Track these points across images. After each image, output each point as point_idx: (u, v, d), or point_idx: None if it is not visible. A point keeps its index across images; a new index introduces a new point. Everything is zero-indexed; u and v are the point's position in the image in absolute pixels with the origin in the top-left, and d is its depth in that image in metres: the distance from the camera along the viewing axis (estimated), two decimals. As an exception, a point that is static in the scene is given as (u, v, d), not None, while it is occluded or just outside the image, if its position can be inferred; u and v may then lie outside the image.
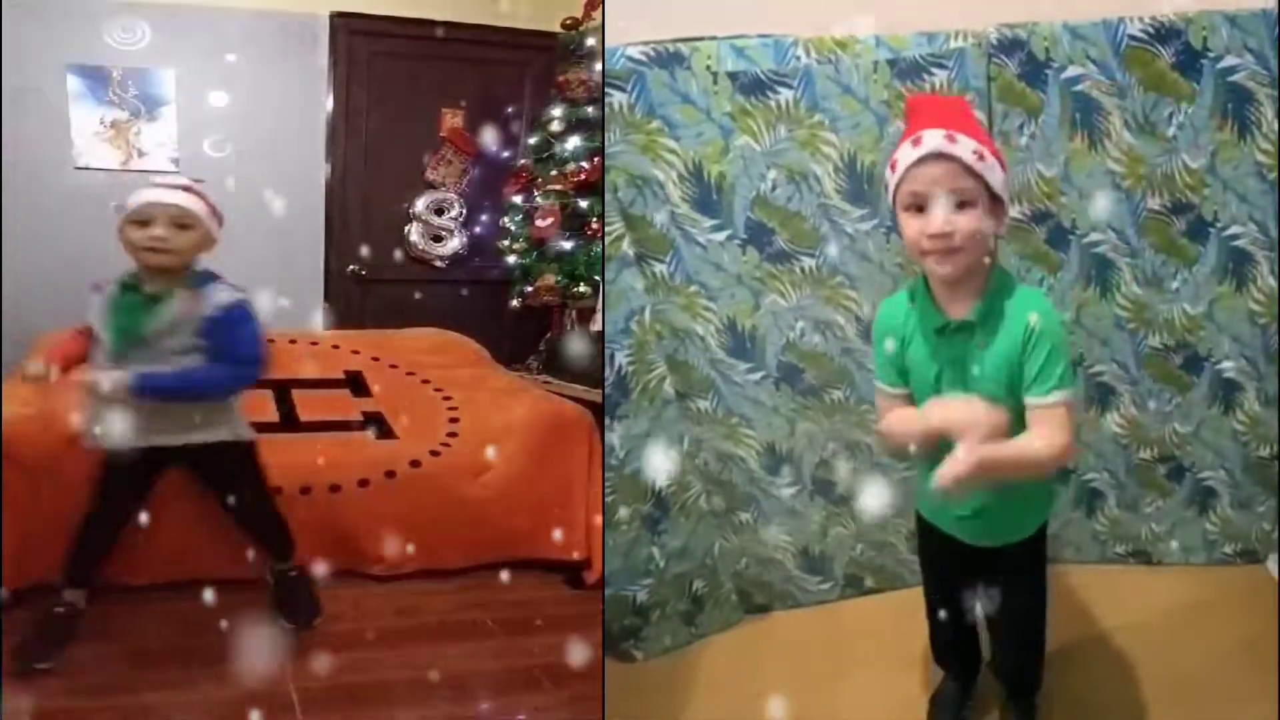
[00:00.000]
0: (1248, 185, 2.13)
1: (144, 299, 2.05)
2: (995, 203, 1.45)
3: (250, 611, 2.32)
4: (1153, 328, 2.27)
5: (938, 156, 1.41)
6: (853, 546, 2.36)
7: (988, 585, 1.69)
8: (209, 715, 1.86)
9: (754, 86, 2.02)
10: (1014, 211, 2.21)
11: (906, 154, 1.45)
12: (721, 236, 2.10)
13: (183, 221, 2.04)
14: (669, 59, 1.98)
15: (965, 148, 1.42)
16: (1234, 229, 2.16)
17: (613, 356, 2.07)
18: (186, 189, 2.10)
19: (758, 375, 2.21)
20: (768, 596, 2.37)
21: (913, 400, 1.62)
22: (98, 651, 2.08)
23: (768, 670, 2.11)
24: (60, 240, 4.14)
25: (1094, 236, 2.21)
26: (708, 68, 2.00)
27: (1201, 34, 2.06)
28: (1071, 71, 2.11)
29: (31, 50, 4.04)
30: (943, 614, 1.78)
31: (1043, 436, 1.44)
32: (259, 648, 2.05)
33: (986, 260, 1.51)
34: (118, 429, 1.99)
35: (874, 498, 2.07)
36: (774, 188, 2.08)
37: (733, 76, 2.01)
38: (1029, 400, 1.47)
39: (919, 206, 1.44)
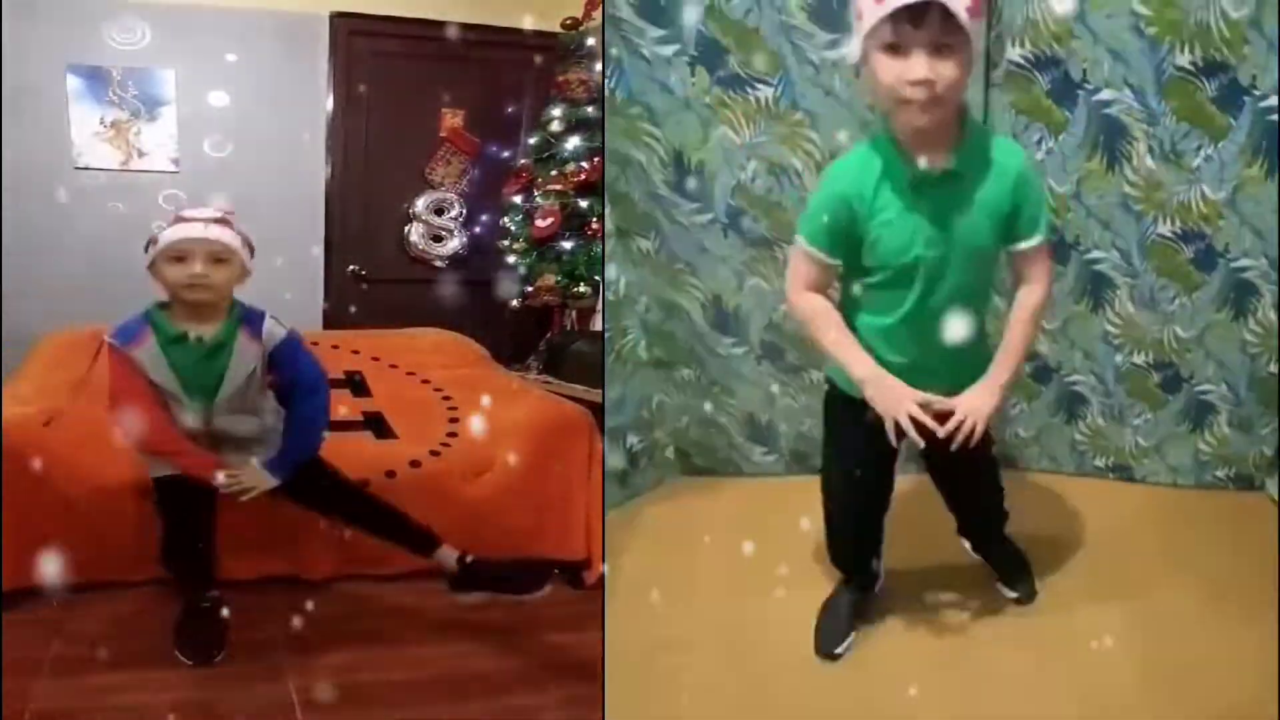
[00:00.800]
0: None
1: (203, 348, 2.04)
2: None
3: (249, 612, 2.32)
4: (1164, 211, 2.06)
5: (932, 6, 1.31)
6: (801, 421, 2.28)
7: (943, 461, 1.67)
8: (209, 715, 1.85)
9: None
10: (1013, 54, 1.99)
11: None
12: (669, 50, 2.00)
13: (220, 256, 2.01)
14: None
15: (960, 4, 1.33)
16: (1273, 99, 1.93)
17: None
18: (220, 221, 2.06)
19: (706, 217, 2.10)
20: (709, 461, 2.32)
21: (834, 273, 1.60)
22: (98, 651, 2.07)
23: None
24: (60, 240, 4.14)
25: (1107, 94, 1.99)
26: None
27: (1251, 72, 1.92)
28: (1106, 95, 1.98)
29: (31, 50, 4.04)
30: (851, 509, 1.76)
31: (1039, 281, 1.55)
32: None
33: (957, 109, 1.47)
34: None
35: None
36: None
37: None
38: (1022, 245, 1.53)
39: (897, 47, 1.35)
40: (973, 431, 1.54)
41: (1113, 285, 2.15)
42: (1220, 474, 2.25)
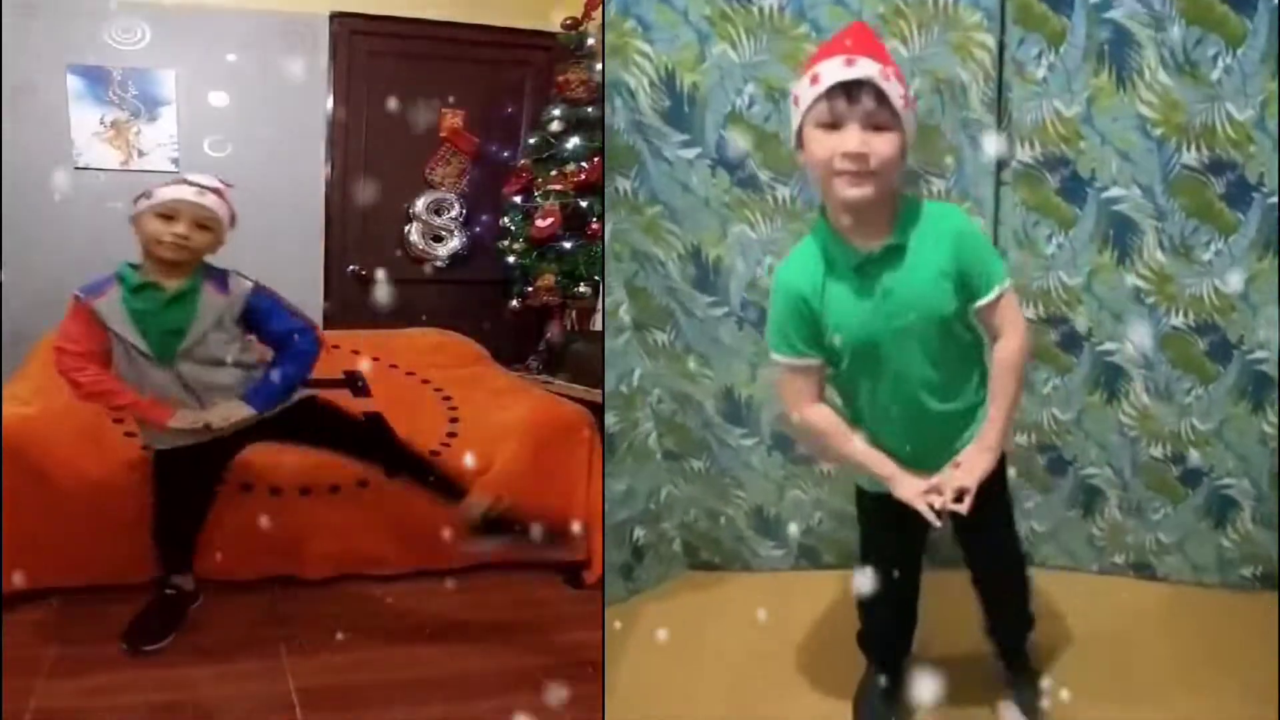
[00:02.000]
0: None
1: (168, 296, 2.06)
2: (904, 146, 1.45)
3: (249, 612, 2.32)
4: (1177, 303, 2.04)
5: (866, 85, 1.39)
6: (810, 514, 2.28)
7: (958, 529, 1.66)
8: (209, 715, 1.85)
9: None
10: (1023, 154, 2.03)
11: (835, 72, 1.40)
12: (691, 153, 2.05)
13: (205, 223, 2.06)
14: None
15: (895, 91, 1.41)
16: None
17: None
18: (217, 191, 2.11)
19: (721, 310, 2.14)
20: (715, 554, 2.31)
21: (823, 372, 1.60)
22: (98, 651, 2.07)
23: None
24: (60, 240, 4.14)
25: (1116, 191, 2.00)
26: None
27: (1259, 170, 1.90)
28: (1115, 192, 1.97)
29: (31, 50, 4.04)
30: (887, 594, 1.73)
31: (1010, 332, 1.53)
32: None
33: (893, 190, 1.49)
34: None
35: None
36: (751, 104, 2.01)
37: None
38: (984, 301, 1.51)
39: (833, 124, 1.41)
40: (969, 498, 1.54)
41: (1127, 377, 2.13)
42: (1246, 572, 2.17)
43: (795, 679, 1.95)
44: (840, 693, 1.86)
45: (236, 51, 4.30)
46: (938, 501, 1.53)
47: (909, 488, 1.57)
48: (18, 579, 2.22)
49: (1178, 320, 2.05)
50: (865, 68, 1.38)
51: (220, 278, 2.12)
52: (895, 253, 1.49)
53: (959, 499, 1.53)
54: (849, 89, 1.38)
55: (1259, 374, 2.05)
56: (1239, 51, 1.85)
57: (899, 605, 1.79)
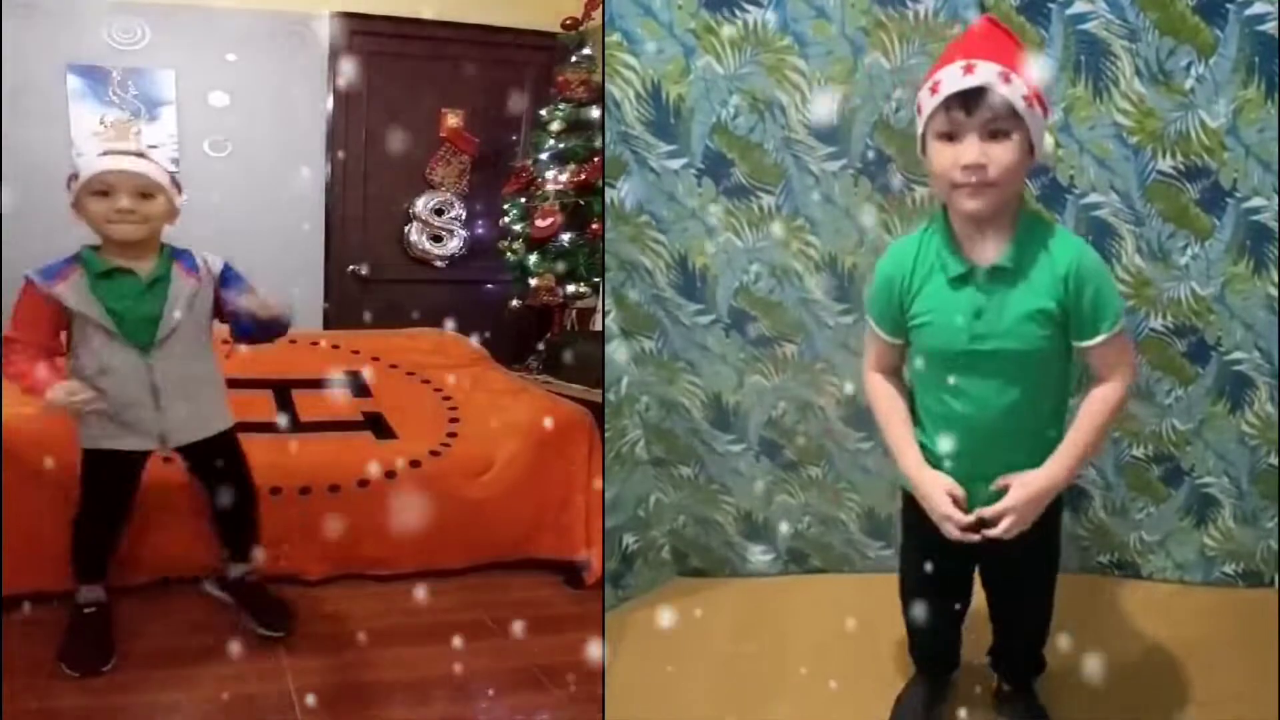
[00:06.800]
0: (1272, 152, 1.93)
1: (139, 283, 1.99)
2: (1030, 144, 1.41)
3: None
4: (1155, 306, 2.08)
5: (985, 92, 1.34)
6: (799, 519, 2.30)
7: (995, 560, 1.59)
8: (209, 715, 1.85)
9: (721, 2, 1.95)
10: None
11: (953, 81, 1.36)
12: (677, 164, 2.06)
13: (145, 190, 1.98)
14: None
15: (1017, 93, 1.35)
16: (1255, 201, 1.97)
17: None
18: (141, 155, 2.03)
19: (708, 318, 2.16)
20: (704, 560, 2.32)
21: (904, 353, 1.59)
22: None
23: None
24: (60, 240, 4.13)
25: (1094, 198, 2.03)
26: None
27: (1232, 176, 1.93)
28: (1078, 8, 1.92)
29: (31, 50, 4.05)
30: (926, 607, 1.68)
31: (1110, 377, 1.47)
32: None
33: (1015, 200, 1.46)
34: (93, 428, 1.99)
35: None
36: (735, 115, 2.03)
37: None
38: (1090, 342, 1.45)
39: (951, 135, 1.38)
40: (1010, 520, 1.47)
41: None
42: (1229, 570, 2.20)
43: (785, 684, 1.94)
44: (829, 697, 1.85)
45: (236, 51, 4.31)
46: (963, 523, 1.46)
47: (934, 494, 1.49)
48: (18, 579, 2.22)
49: (1156, 323, 2.10)
50: (984, 74, 1.35)
51: (188, 258, 2.06)
52: (1002, 275, 1.44)
53: (992, 524, 1.45)
54: (966, 98, 1.35)
55: (1237, 374, 2.10)
56: (1210, 61, 1.90)
57: (943, 615, 1.71)
